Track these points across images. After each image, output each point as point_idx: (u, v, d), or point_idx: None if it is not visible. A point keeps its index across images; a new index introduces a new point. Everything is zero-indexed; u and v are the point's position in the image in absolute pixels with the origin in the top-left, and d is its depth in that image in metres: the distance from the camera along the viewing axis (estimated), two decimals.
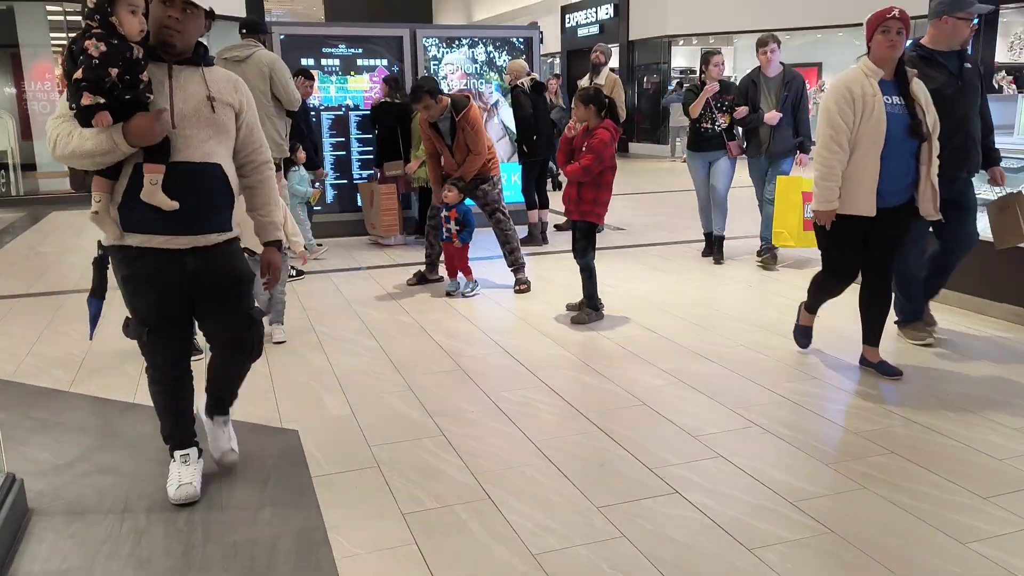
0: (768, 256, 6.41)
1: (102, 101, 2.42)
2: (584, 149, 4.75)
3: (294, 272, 6.44)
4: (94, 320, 2.95)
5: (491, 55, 8.35)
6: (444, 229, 5.68)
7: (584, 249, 4.95)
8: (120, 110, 2.45)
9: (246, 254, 3.05)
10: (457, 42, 8.26)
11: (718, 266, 6.56)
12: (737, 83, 6.74)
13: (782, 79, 6.27)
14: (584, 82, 8.06)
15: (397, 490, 2.88)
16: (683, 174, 10.96)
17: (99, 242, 2.75)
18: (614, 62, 18.33)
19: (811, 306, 4.27)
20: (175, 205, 2.53)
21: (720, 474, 2.97)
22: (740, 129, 6.52)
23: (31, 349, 4.63)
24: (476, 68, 8.31)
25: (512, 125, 7.97)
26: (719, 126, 6.43)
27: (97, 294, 2.90)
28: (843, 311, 4.89)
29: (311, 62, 7.82)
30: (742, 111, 6.28)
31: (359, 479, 2.98)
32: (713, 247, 6.74)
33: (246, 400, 3.74)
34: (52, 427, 3.50)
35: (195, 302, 2.75)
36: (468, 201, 5.72)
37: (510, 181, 8.36)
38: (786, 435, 3.29)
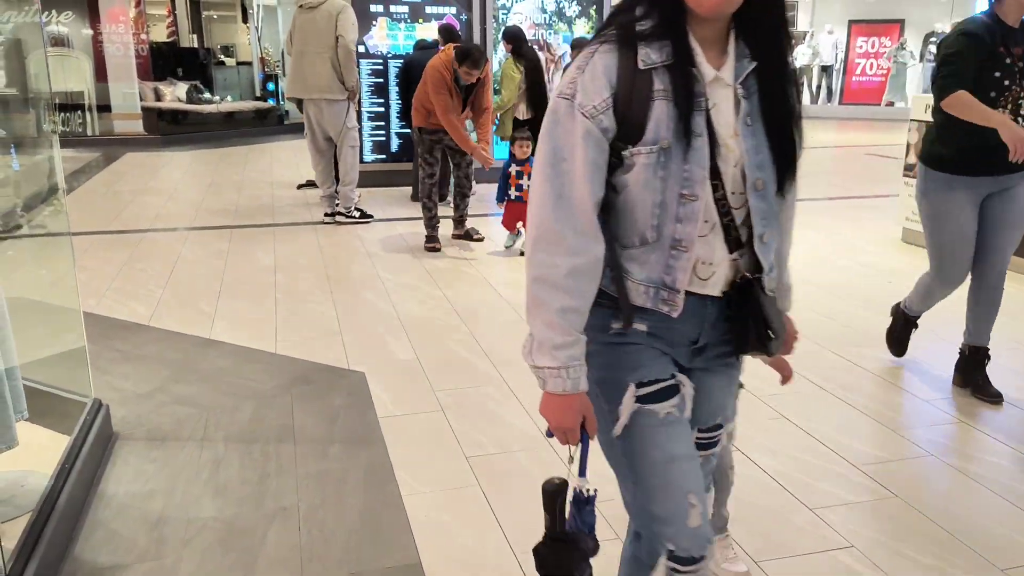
0: None
1: None
2: None
3: (357, 214, 6.57)
4: None
5: (560, 5, 8.22)
6: (513, 187, 5.58)
7: None
8: None
9: None
10: None
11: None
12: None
13: None
14: None
15: (461, 434, 2.95)
16: None
17: (557, 486, 1.42)
18: None
19: None
20: None
21: (784, 435, 2.96)
22: None
23: (111, 284, 4.82)
24: (545, 18, 8.20)
25: None
26: None
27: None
28: None
29: (380, 8, 7.82)
30: None
31: (424, 421, 3.06)
32: (974, 369, 3.33)
33: (315, 341, 3.87)
34: (133, 358, 3.67)
35: None
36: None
37: None
38: (854, 400, 3.25)
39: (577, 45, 6.78)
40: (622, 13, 1.34)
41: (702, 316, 1.40)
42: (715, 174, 1.31)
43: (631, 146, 1.29)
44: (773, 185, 1.37)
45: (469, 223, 6.01)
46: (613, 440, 1.43)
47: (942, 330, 3.98)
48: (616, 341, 1.40)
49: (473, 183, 5.94)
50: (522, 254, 5.56)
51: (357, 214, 6.59)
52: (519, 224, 5.61)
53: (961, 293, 3.31)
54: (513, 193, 5.59)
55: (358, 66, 7.34)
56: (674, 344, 1.42)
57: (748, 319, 1.40)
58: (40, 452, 2.52)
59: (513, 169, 5.55)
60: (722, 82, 1.32)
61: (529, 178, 5.45)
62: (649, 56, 1.28)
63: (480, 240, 5.92)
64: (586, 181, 1.29)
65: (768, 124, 1.34)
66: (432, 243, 5.67)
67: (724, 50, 1.33)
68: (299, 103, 6.51)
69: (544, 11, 8.19)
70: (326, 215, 6.59)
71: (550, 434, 1.40)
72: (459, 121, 5.50)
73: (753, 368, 3.61)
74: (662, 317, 1.37)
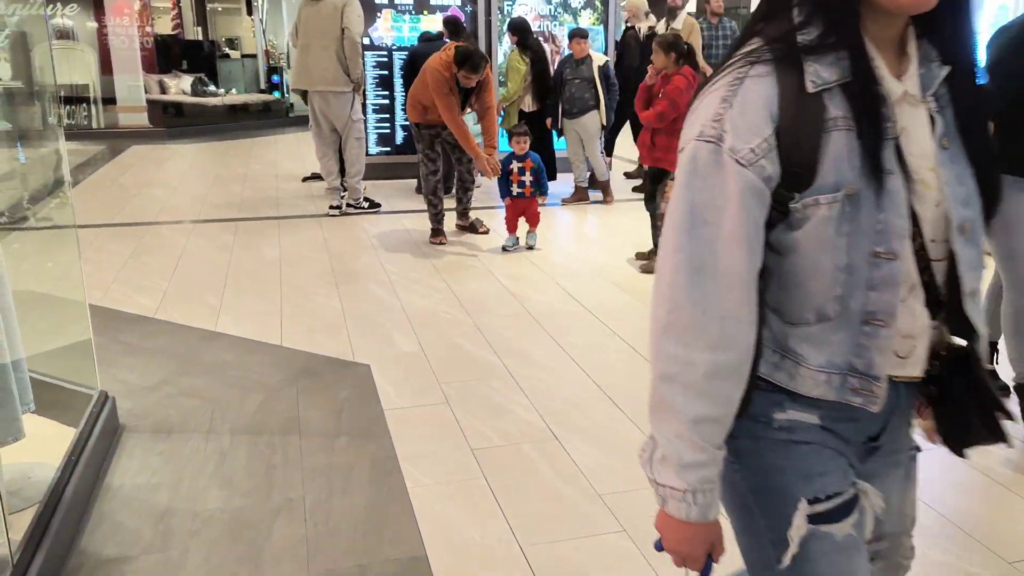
0: None
1: None
2: (660, 95, 4.68)
3: (366, 204, 6.59)
4: None
5: None
6: (515, 183, 5.48)
7: (655, 196, 4.91)
8: None
9: None
10: None
11: None
12: None
13: None
14: (660, 27, 7.84)
15: (466, 426, 2.95)
16: None
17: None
18: (691, 6, 17.74)
19: None
20: None
21: None
22: None
23: (116, 277, 4.83)
24: (551, 9, 8.17)
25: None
26: None
27: None
28: None
29: (385, 0, 7.80)
30: None
31: (429, 414, 3.06)
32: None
33: (320, 334, 3.87)
34: (139, 351, 3.67)
35: None
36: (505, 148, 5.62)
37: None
38: None
39: (575, 35, 6.71)
40: (772, 21, 1.03)
41: (892, 404, 1.07)
42: (912, 220, 1.00)
43: (800, 194, 0.97)
44: (981, 223, 1.05)
45: (474, 215, 6.00)
46: (774, 566, 1.11)
47: None
48: (780, 437, 1.09)
49: (476, 176, 5.92)
50: (530, 248, 5.53)
51: (366, 204, 6.61)
52: (521, 220, 5.57)
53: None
54: (515, 189, 5.50)
55: (363, 58, 7.35)
56: (849, 441, 1.11)
57: (966, 403, 1.08)
58: (47, 444, 2.53)
59: (514, 166, 5.46)
60: (910, 97, 1.01)
61: (530, 174, 5.43)
62: (819, 74, 0.97)
63: (485, 233, 5.91)
64: (740, 248, 0.97)
65: (967, 144, 1.04)
66: (437, 236, 5.67)
67: (903, 53, 1.03)
68: (304, 95, 6.51)
69: (549, 2, 8.15)
70: (331, 208, 6.59)
71: (660, 547, 1.10)
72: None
73: None
74: (842, 408, 1.06)
